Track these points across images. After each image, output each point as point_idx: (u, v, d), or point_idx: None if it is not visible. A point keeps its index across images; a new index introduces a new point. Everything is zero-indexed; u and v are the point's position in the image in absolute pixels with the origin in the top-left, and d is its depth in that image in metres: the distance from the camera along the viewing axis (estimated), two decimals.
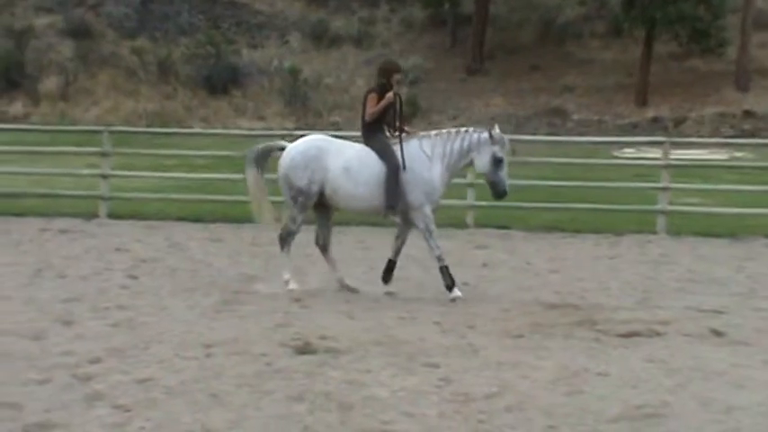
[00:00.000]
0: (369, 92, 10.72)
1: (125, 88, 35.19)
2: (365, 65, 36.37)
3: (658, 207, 16.26)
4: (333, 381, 6.99)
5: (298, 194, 10.49)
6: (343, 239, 14.96)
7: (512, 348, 8.19)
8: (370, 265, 12.60)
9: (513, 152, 22.06)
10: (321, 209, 10.79)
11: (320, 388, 6.79)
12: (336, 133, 26.64)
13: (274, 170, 10.91)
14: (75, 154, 20.06)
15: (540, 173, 19.65)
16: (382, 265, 12.48)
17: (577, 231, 16.04)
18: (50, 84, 34.66)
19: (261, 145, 11.09)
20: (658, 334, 8.78)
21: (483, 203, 16.78)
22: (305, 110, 33.39)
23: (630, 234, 15.78)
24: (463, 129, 10.66)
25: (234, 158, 19.70)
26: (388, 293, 10.60)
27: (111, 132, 17.49)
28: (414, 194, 10.36)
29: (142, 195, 17.85)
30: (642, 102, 35.59)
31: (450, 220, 16.66)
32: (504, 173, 10.44)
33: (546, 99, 34.72)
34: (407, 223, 10.81)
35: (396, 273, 11.89)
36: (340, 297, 10.33)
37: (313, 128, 30.50)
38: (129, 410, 6.20)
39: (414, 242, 14.65)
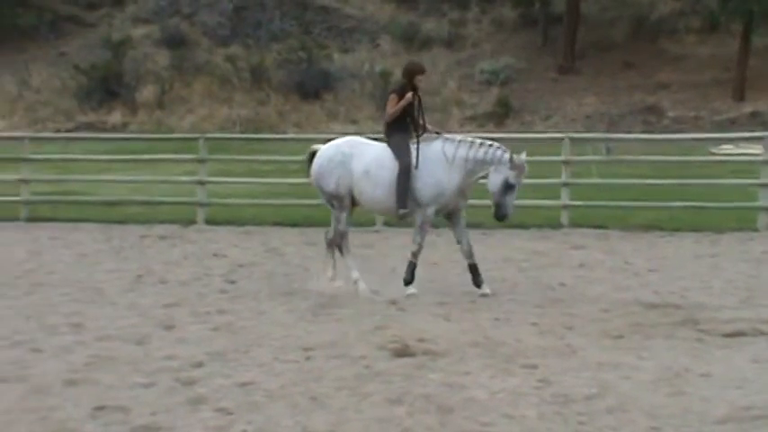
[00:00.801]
0: (391, 92, 10.90)
1: (219, 95, 35.71)
2: (456, 66, 36.33)
3: (760, 204, 15.89)
4: (431, 383, 6.99)
5: (331, 198, 10.80)
6: (436, 241, 14.98)
7: (611, 349, 8.09)
8: (465, 268, 12.57)
9: (608, 151, 21.90)
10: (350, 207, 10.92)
11: (419, 390, 6.79)
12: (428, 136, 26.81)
13: None
14: (173, 161, 20.43)
15: (637, 171, 19.41)
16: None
17: (676, 230, 15.77)
18: (147, 93, 35.38)
19: (309, 150, 11.23)
20: (763, 333, 8.58)
21: (578, 203, 16.63)
22: None
23: (731, 232, 15.47)
24: (488, 142, 10.65)
25: None
26: (484, 295, 10.56)
27: (207, 139, 17.77)
28: (423, 193, 10.47)
29: (238, 201, 18.09)
30: (740, 97, 34.84)
31: (545, 221, 16.56)
32: (511, 199, 10.39)
33: (640, 96, 34.22)
34: (456, 223, 10.85)
35: (492, 274, 11.88)
36: (436, 299, 10.31)
37: None
38: (231, 413, 6.28)
39: (508, 242, 14.59)
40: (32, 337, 8.42)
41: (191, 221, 16.75)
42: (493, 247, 14.27)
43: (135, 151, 21.06)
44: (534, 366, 7.46)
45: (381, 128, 11.03)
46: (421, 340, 8.24)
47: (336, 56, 36.71)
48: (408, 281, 10.61)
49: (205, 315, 9.47)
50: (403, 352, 7.85)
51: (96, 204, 18.20)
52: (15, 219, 17.35)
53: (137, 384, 6.93)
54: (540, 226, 16.35)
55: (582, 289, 11.04)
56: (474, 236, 15.31)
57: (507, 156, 10.33)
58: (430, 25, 38.89)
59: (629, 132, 29.07)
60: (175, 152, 19.83)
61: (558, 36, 37.28)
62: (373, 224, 16.61)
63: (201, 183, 17.19)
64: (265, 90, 35.54)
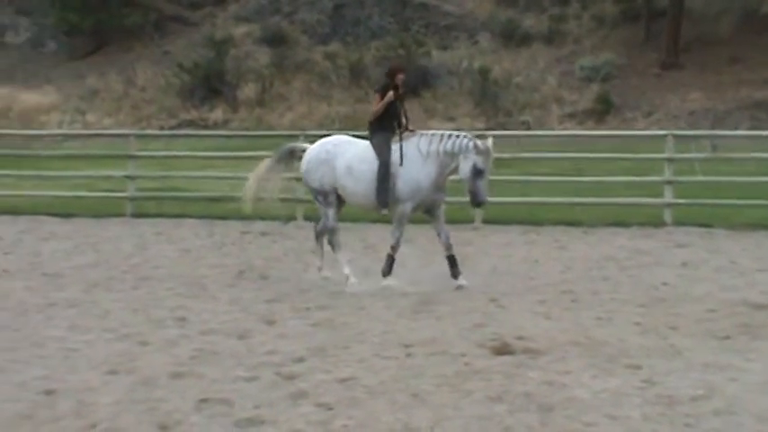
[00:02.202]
0: (374, 92, 11.50)
1: (318, 93, 35.99)
2: (556, 63, 35.97)
3: None
4: (532, 382, 6.94)
5: (317, 194, 11.34)
6: (536, 239, 14.87)
7: (718, 350, 7.92)
8: (566, 265, 12.47)
9: (714, 148, 21.44)
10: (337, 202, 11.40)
11: (519, 389, 6.74)
12: (526, 133, 26.58)
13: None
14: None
15: (743, 169, 18.97)
16: (578, 266, 12.37)
17: None
18: (248, 90, 35.80)
19: (288, 145, 11.96)
20: None
21: (682, 201, 16.34)
22: (495, 109, 33.23)
23: None
24: (456, 133, 11.08)
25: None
26: (460, 287, 10.71)
27: (307, 136, 17.89)
28: (402, 189, 10.85)
29: None
30: None
31: (648, 219, 16.31)
32: (483, 183, 10.71)
33: (748, 92, 33.38)
34: (435, 217, 11.16)
35: (593, 273, 11.78)
36: (536, 297, 10.24)
37: (504, 127, 30.42)
38: (331, 409, 6.32)
39: (609, 241, 14.40)
40: (139, 331, 8.62)
41: (290, 218, 16.91)
42: (594, 246, 14.12)
43: (236, 148, 21.35)
44: (638, 367, 7.35)
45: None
46: (521, 338, 8.19)
47: (435, 53, 36.63)
48: (386, 273, 10.95)
49: (305, 311, 9.57)
50: (503, 350, 7.81)
51: (199, 200, 18.53)
52: (121, 214, 17.77)
53: (239, 378, 7.03)
54: (642, 224, 16.11)
55: (686, 288, 10.83)
56: (575, 234, 15.25)
57: (472, 143, 10.70)
58: (529, 21, 38.57)
59: (736, 129, 28.40)
60: (274, 149, 20.03)
61: (661, 31, 36.61)
62: (472, 221, 16.56)
63: (300, 179, 17.26)
64: (364, 87, 35.65)
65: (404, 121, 11.17)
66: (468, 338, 8.25)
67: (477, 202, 10.91)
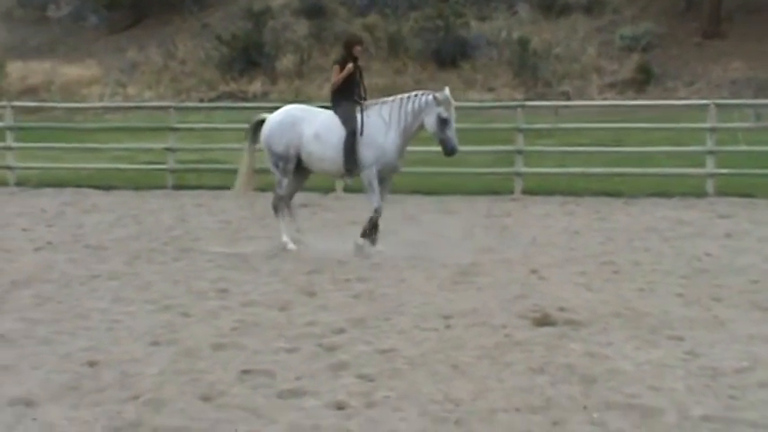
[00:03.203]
0: (333, 63, 11.76)
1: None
2: (596, 33, 35.56)
3: None
4: (573, 353, 6.89)
5: (278, 160, 11.56)
6: (576, 210, 14.77)
7: (762, 322, 7.83)
8: (607, 236, 12.37)
9: (759, 117, 21.11)
10: (298, 171, 11.72)
11: (561, 360, 6.70)
12: (567, 103, 26.36)
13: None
14: None
15: None
16: (619, 237, 12.30)
17: None
18: (286, 62, 35.72)
19: (253, 120, 12.01)
20: None
21: (724, 171, 16.14)
22: (534, 80, 32.95)
23: None
24: (414, 93, 11.41)
25: (464, 131, 19.79)
26: (379, 252, 11.08)
27: None
28: (366, 155, 11.22)
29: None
30: None
31: (690, 189, 16.14)
32: (450, 132, 10.99)
33: None
34: (384, 183, 11.54)
35: (634, 243, 11.70)
36: (577, 268, 10.17)
37: (543, 98, 30.17)
38: (372, 380, 6.31)
39: (651, 212, 14.26)
40: (181, 302, 8.66)
41: (330, 189, 16.90)
42: (636, 217, 13.99)
43: None
44: (681, 338, 7.28)
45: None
46: (562, 309, 8.14)
47: (473, 23, 36.34)
48: (365, 235, 11.31)
49: (345, 282, 9.56)
50: (544, 321, 7.77)
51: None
52: (162, 186, 17.84)
53: (281, 349, 7.04)
54: (684, 194, 15.94)
55: (729, 259, 10.70)
56: (615, 205, 15.12)
57: (431, 96, 11.04)
58: None
59: None
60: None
61: (701, 0, 36.10)
62: (511, 192, 16.48)
63: None
64: (402, 59, 35.49)
65: (363, 91, 11.56)
66: (509, 310, 8.21)
67: (448, 150, 11.10)
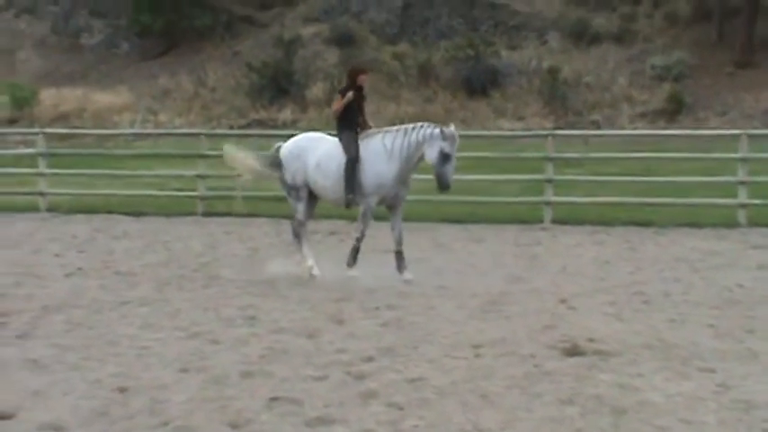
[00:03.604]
0: (338, 92, 11.99)
1: (387, 93, 35.97)
2: (627, 62, 35.53)
3: None
4: (603, 384, 6.85)
5: (290, 189, 11.84)
6: (606, 239, 14.71)
7: None
8: (637, 266, 12.32)
9: None
10: (312, 199, 11.95)
11: (591, 391, 6.66)
12: (597, 133, 26.29)
13: None
14: None
15: None
16: (649, 267, 12.24)
17: None
18: (317, 90, 35.90)
19: (274, 148, 12.15)
20: None
21: (756, 201, 16.05)
22: (564, 109, 32.94)
23: None
24: (419, 124, 11.48)
25: (493, 160, 19.84)
26: (407, 281, 11.13)
27: None
28: (366, 184, 11.36)
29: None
30: None
31: (721, 220, 16.05)
32: (450, 168, 11.02)
33: None
34: (394, 211, 11.61)
35: (665, 274, 11.63)
36: (606, 298, 10.13)
37: (573, 127, 30.16)
38: (401, 409, 6.30)
39: (681, 242, 14.17)
40: (210, 329, 8.69)
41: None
42: (666, 247, 13.93)
43: None
44: (712, 370, 7.22)
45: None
46: (591, 340, 8.09)
47: (504, 52, 36.41)
48: (351, 264, 11.48)
49: (374, 310, 9.56)
50: (573, 351, 7.73)
51: (268, 200, 18.56)
52: (193, 213, 17.95)
53: (309, 377, 7.05)
54: (715, 225, 15.85)
55: (762, 291, 10.62)
56: (646, 235, 15.05)
57: (437, 130, 11.10)
58: (600, 20, 38.15)
59: None
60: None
61: (734, 30, 35.98)
62: (541, 221, 16.46)
63: None
64: (432, 87, 35.60)
65: (364, 119, 11.76)
66: (538, 339, 8.18)
67: (443, 185, 11.13)
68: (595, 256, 13.15)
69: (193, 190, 18.68)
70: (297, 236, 11.95)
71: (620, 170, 19.99)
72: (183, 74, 38.48)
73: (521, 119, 32.98)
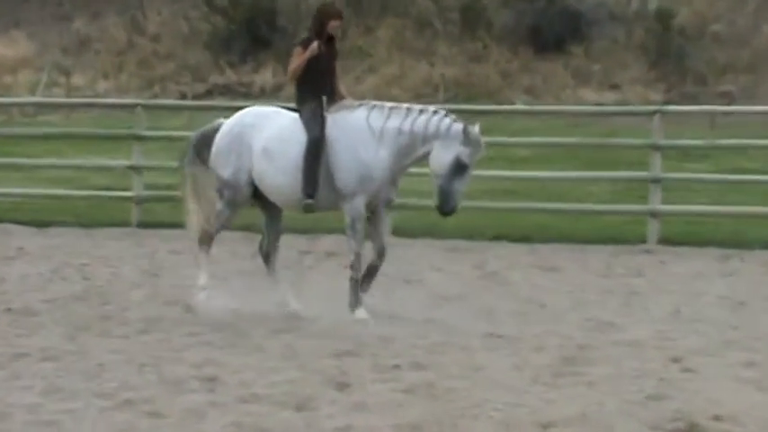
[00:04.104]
0: (295, 44, 12.29)
1: (415, 47, 36.01)
2: None
3: None
4: None
5: (223, 186, 11.97)
6: (741, 268, 14.71)
7: None
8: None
9: None
10: (263, 204, 12.18)
11: None
12: (729, 109, 26.27)
13: None
14: None
15: None
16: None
17: None
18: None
19: (203, 128, 12.42)
20: None
21: None
22: (680, 74, 32.90)
23: None
24: (432, 109, 11.74)
25: (573, 148, 19.86)
26: (360, 321, 11.45)
27: None
28: (344, 178, 11.54)
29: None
30: None
31: None
32: (462, 185, 11.46)
33: None
34: (376, 216, 11.87)
35: None
36: (740, 356, 10.14)
37: (693, 101, 30.07)
38: None
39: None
40: (149, 396, 8.70)
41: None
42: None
43: None
44: None
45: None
46: (717, 419, 8.12)
47: None
48: (354, 305, 11.64)
49: (393, 370, 9.58)
50: None
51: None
52: (124, 223, 18.04)
53: None
54: None
55: None
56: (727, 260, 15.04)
57: (459, 126, 11.28)
58: None
59: None
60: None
61: None
62: (644, 240, 16.48)
63: None
64: (482, 39, 35.66)
65: (336, 85, 12.10)
66: (637, 416, 8.21)
67: (447, 208, 11.55)
68: (725, 294, 13.16)
69: (126, 189, 18.74)
70: (201, 247, 12.21)
71: (761, 165, 19.98)
72: (111, 15, 38.56)
73: (614, 88, 33.02)
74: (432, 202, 17.80)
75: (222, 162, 11.90)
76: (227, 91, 34.26)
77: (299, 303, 11.89)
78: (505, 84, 33.82)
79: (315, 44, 11.68)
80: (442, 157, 11.23)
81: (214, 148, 12.01)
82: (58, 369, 9.55)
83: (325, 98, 11.77)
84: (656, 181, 16.98)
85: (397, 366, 9.69)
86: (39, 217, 18.27)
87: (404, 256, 15.36)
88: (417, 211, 17.74)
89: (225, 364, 9.71)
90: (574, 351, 10.25)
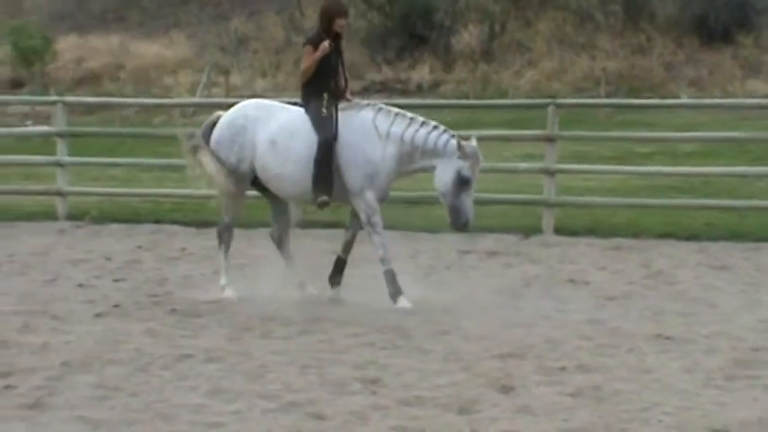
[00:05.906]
0: (305, 43, 12.36)
1: (575, 40, 35.85)
2: None
3: None
4: None
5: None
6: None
7: None
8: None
9: None
10: (268, 194, 12.67)
11: None
12: None
13: None
14: (505, 139, 20.67)
15: None
16: None
17: None
18: (468, 37, 35.97)
19: (210, 117, 12.66)
20: None
21: None
22: None
23: None
24: (432, 123, 11.96)
25: (744, 143, 19.56)
26: (334, 300, 12.20)
27: (559, 106, 17.79)
28: (353, 176, 11.89)
29: (604, 200, 18.09)
30: None
31: None
32: (469, 198, 11.70)
33: None
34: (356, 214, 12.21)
35: None
36: None
37: None
38: None
39: None
40: (312, 397, 8.76)
41: (533, 229, 16.89)
42: None
43: (452, 125, 21.46)
44: None
45: None
46: None
47: None
48: (395, 293, 11.96)
49: (558, 372, 9.54)
50: None
51: (394, 203, 18.21)
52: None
53: None
54: None
55: None
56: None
57: (454, 141, 11.66)
58: None
59: None
60: (508, 126, 20.09)
61: None
62: None
63: (549, 172, 17.24)
64: (646, 31, 35.33)
65: (343, 83, 12.35)
66: None
67: (460, 223, 11.79)
68: None
69: None
70: (220, 242, 12.80)
71: None
72: (268, 13, 38.91)
73: None
74: (593, 199, 17.92)
75: (225, 152, 12.27)
76: (383, 88, 34.40)
77: (315, 288, 12.42)
78: (670, 77, 33.49)
79: (326, 43, 11.93)
80: (444, 175, 11.60)
81: (216, 138, 12.40)
82: (221, 370, 9.68)
83: (327, 95, 11.97)
84: None
85: (562, 369, 9.65)
86: (199, 217, 18.40)
87: (567, 254, 15.30)
88: (580, 209, 17.63)
89: (387, 366, 9.75)
90: (747, 353, 10.10)
